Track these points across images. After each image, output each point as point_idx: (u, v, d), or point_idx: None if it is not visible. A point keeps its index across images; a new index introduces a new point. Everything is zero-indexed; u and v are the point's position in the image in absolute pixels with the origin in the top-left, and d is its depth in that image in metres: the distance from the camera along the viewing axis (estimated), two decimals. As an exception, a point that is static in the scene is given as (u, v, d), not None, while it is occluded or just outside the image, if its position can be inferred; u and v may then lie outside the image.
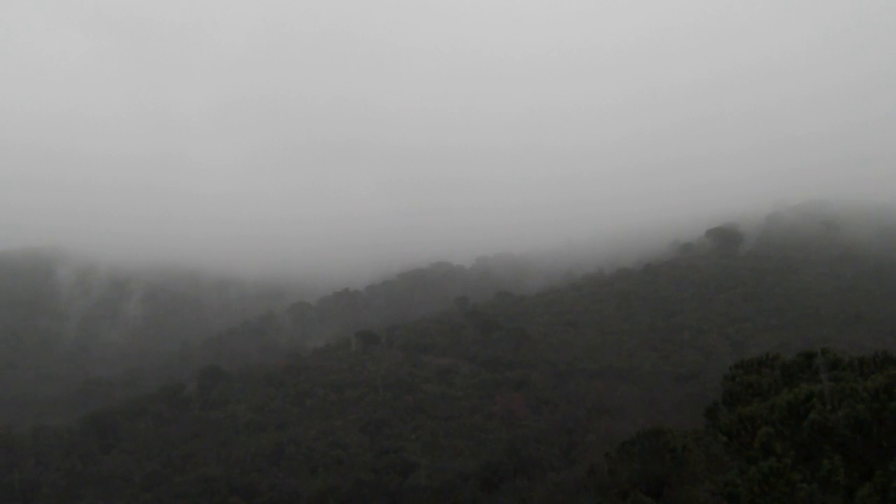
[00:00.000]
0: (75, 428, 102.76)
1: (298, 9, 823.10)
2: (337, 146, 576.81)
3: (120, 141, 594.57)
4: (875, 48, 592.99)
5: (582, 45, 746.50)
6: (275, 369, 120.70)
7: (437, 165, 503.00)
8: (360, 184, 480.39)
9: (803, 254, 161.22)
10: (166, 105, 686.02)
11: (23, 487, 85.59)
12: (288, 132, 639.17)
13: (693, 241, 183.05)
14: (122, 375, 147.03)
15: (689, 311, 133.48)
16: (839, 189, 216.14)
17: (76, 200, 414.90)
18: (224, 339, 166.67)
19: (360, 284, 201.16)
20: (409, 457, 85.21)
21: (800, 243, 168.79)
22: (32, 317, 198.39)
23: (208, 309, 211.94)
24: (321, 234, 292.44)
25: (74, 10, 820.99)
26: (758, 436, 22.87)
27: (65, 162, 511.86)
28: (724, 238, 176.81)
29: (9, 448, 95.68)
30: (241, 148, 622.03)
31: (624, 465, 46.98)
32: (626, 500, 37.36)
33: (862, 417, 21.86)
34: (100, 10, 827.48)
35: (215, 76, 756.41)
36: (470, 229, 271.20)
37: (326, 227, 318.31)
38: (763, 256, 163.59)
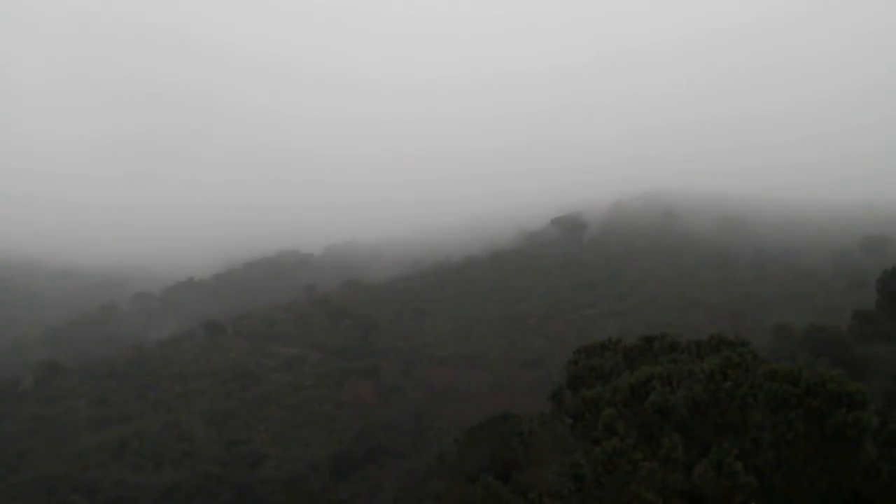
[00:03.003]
0: None
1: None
2: (181, 138, 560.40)
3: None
4: (726, 49, 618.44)
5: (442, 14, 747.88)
6: (117, 362, 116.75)
7: (283, 167, 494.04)
8: (204, 177, 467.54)
9: (644, 242, 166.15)
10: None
11: None
12: (131, 116, 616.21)
13: (539, 230, 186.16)
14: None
15: (535, 298, 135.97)
16: (679, 180, 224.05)
17: None
18: (62, 332, 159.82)
19: (205, 273, 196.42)
20: (257, 448, 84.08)
21: (641, 231, 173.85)
22: None
23: (44, 299, 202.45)
24: (164, 223, 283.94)
25: None
26: (601, 417, 23.39)
27: None
28: (569, 226, 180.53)
29: None
30: (82, 127, 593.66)
31: (473, 450, 47.56)
32: (475, 484, 37.79)
33: (699, 398, 22.63)
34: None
35: (59, 45, 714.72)
36: (318, 218, 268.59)
37: (170, 216, 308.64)
38: (606, 244, 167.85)
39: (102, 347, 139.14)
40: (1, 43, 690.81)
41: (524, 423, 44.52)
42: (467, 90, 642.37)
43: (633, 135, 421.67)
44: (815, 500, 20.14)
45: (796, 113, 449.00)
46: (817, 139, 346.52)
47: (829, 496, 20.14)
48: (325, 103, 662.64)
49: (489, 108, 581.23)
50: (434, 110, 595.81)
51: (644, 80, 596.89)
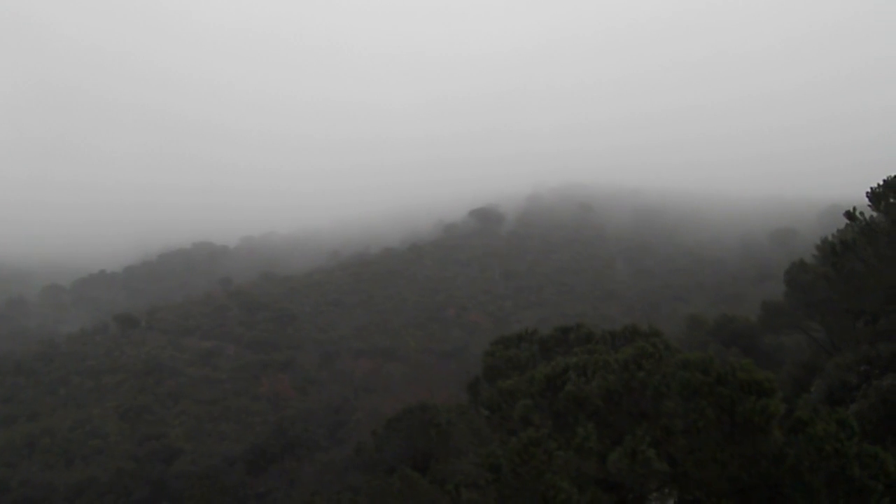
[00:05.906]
0: None
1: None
2: (84, 101, 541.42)
3: None
4: (642, 46, 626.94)
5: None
6: (25, 357, 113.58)
7: (200, 143, 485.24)
8: (117, 147, 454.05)
9: (561, 233, 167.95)
10: None
11: None
12: (31, 72, 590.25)
13: (457, 221, 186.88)
14: None
15: (453, 290, 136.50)
16: (595, 173, 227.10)
17: None
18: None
19: (117, 265, 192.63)
20: (172, 443, 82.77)
21: (557, 223, 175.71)
22: None
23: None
24: (73, 203, 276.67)
25: None
26: (517, 408, 23.57)
27: None
28: (487, 218, 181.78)
29: None
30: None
31: (391, 442, 47.57)
32: (393, 475, 37.79)
33: (613, 387, 22.92)
34: None
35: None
36: (235, 209, 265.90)
37: (78, 195, 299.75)
38: (523, 236, 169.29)
39: (10, 342, 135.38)
40: None
41: (442, 414, 44.73)
42: (389, 76, 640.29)
43: (550, 128, 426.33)
44: (725, 485, 20.59)
45: (710, 111, 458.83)
46: (729, 136, 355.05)
47: (738, 481, 20.61)
48: (241, 73, 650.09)
49: (410, 96, 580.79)
50: (354, 95, 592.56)
51: (561, 74, 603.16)
